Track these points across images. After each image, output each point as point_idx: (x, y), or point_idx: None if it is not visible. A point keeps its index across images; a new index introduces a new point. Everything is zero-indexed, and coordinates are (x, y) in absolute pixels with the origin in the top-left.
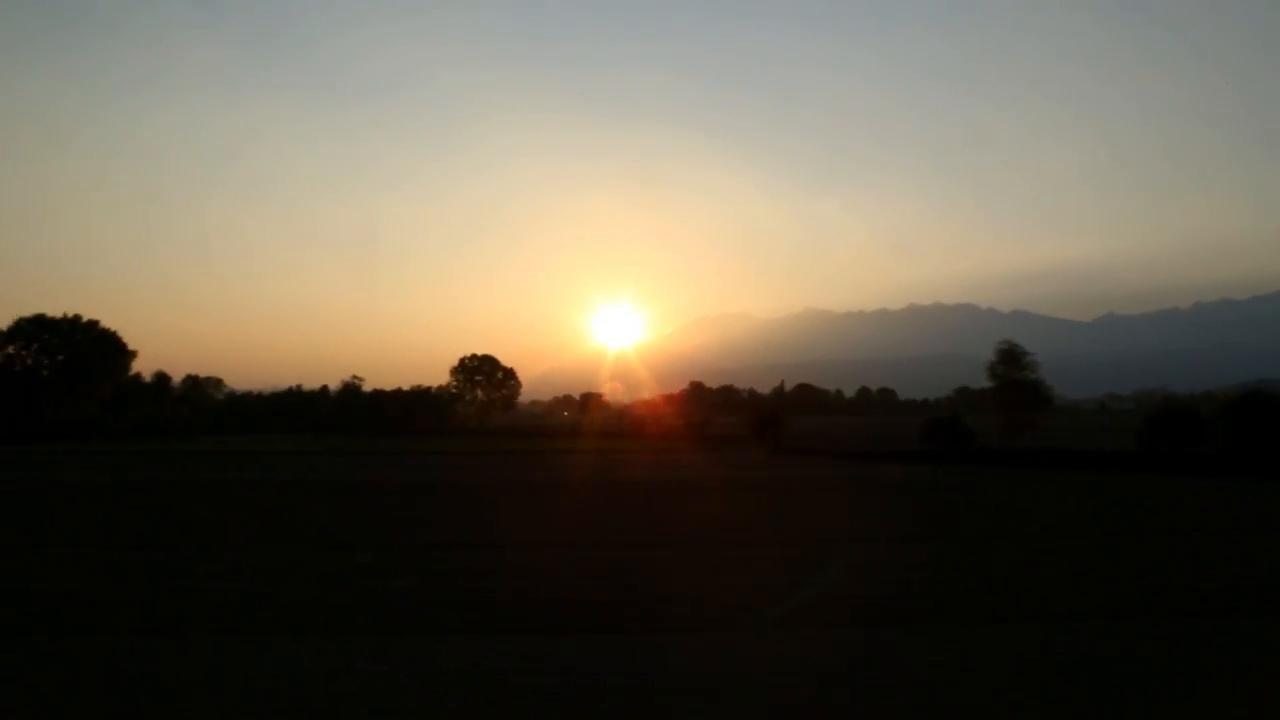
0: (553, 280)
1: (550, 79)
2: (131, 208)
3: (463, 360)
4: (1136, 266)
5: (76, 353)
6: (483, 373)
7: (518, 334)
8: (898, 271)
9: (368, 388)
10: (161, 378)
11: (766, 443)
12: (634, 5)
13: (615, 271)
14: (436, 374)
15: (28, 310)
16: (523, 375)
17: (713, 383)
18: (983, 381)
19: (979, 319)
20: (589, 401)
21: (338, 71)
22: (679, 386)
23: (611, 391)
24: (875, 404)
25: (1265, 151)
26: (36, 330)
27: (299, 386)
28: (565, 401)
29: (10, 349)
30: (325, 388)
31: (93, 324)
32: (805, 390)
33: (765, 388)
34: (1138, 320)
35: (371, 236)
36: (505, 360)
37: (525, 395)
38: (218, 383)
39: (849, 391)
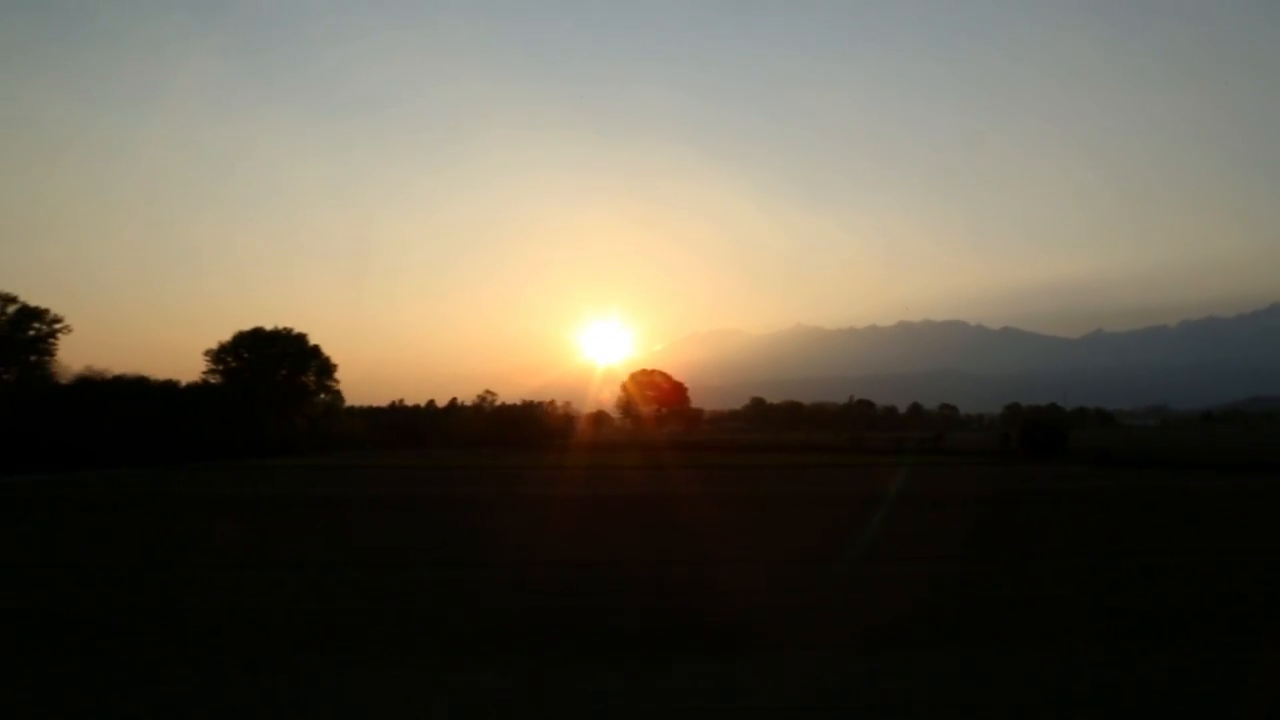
0: (542, 295)
1: (545, 94)
2: (124, 218)
3: (633, 375)
4: (1124, 284)
5: (296, 366)
6: (653, 386)
7: (506, 348)
8: (888, 288)
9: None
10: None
11: (1061, 454)
12: (633, 22)
13: (606, 287)
14: (431, 389)
15: None
16: (515, 391)
17: (707, 398)
18: (983, 397)
19: (969, 335)
20: (690, 415)
21: (333, 84)
22: (673, 402)
23: (601, 406)
24: (936, 419)
25: (1253, 171)
26: (257, 343)
27: (401, 401)
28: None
29: (231, 361)
30: (432, 402)
31: (302, 337)
32: (864, 405)
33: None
34: (1126, 337)
35: (362, 249)
36: (494, 374)
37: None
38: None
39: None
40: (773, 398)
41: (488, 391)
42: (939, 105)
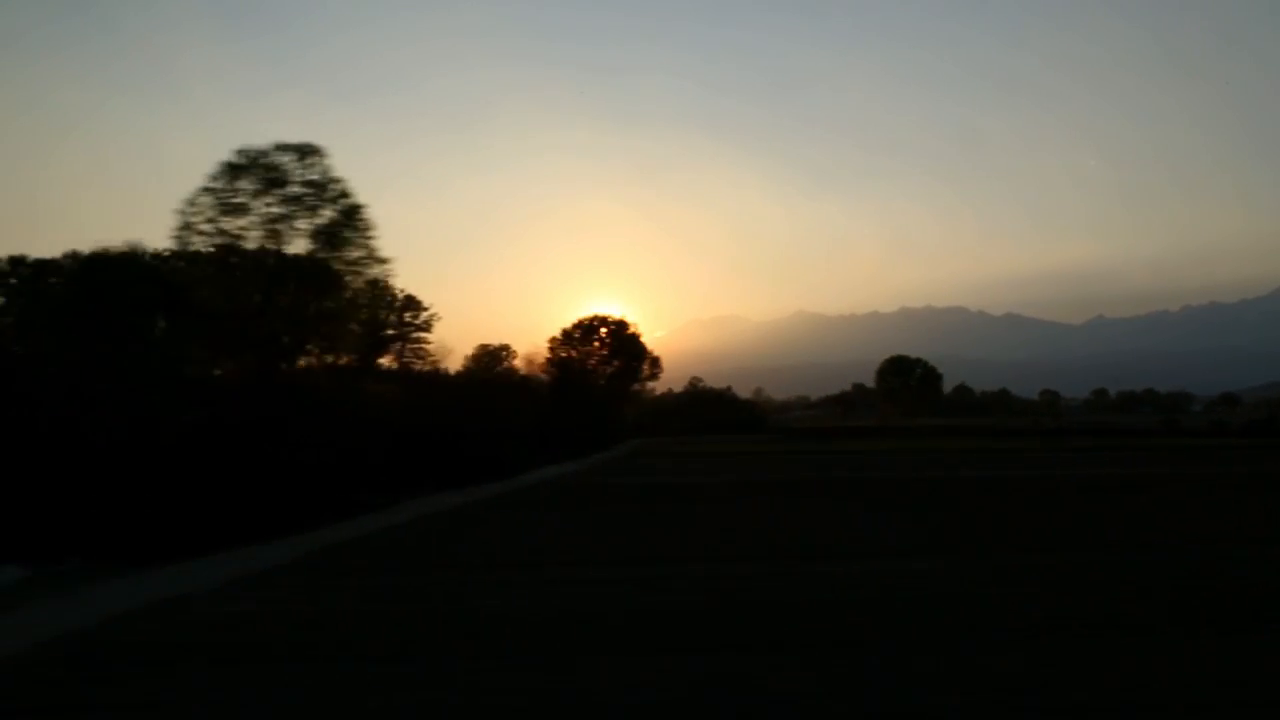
0: (544, 280)
1: (551, 80)
2: (128, 204)
3: (891, 358)
4: (1126, 270)
5: (633, 353)
6: (901, 373)
7: (504, 334)
8: (889, 275)
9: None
10: None
11: None
12: (641, 10)
13: (607, 272)
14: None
15: None
16: None
17: (710, 385)
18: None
19: (970, 322)
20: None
21: (339, 69)
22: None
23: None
24: (1038, 405)
25: (1254, 156)
26: (587, 332)
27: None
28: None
29: (575, 350)
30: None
31: (624, 324)
32: (962, 390)
33: (750, 390)
34: (1127, 323)
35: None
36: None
37: None
38: None
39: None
40: (775, 384)
41: (695, 378)
42: (942, 95)
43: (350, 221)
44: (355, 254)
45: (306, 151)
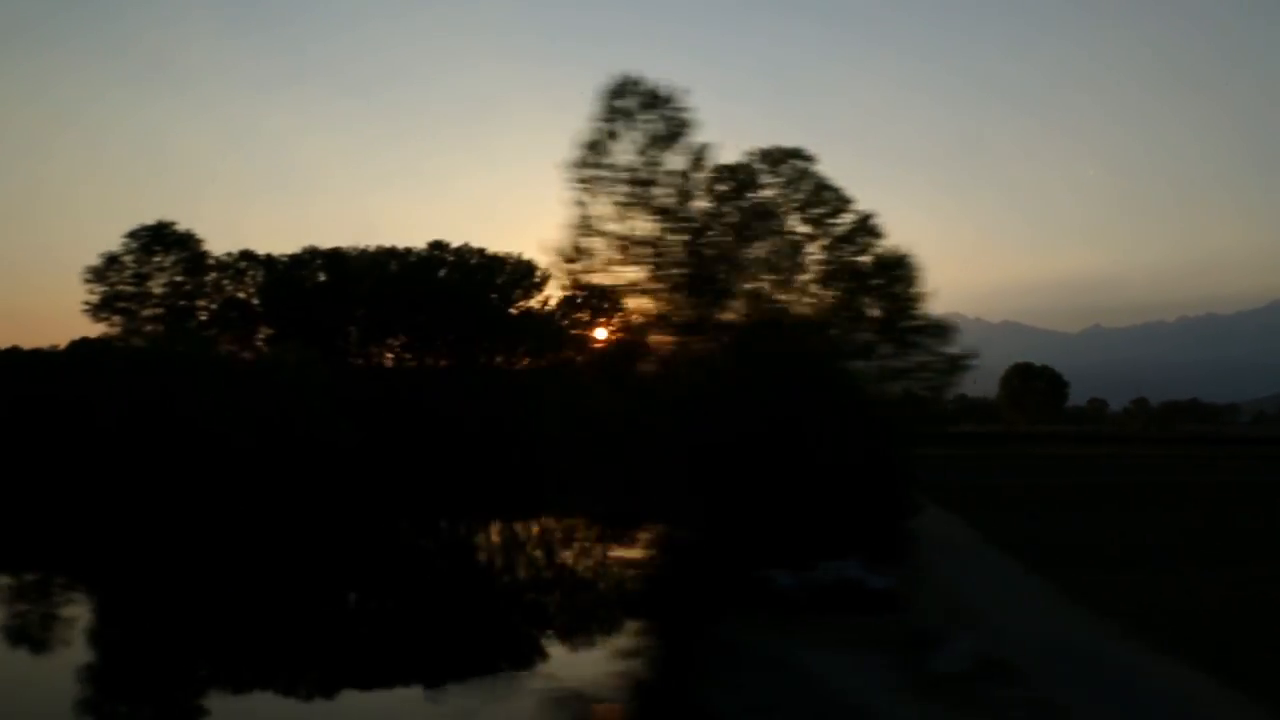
0: None
1: (555, 81)
2: (127, 198)
3: (1017, 366)
4: (1123, 280)
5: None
6: (1020, 379)
7: None
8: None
9: None
10: None
11: None
12: (645, 13)
13: None
14: None
15: None
16: None
17: None
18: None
19: (968, 328)
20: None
21: (343, 65)
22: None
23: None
24: (1085, 413)
25: (1253, 169)
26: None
27: None
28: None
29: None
30: None
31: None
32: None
33: None
34: (1123, 333)
35: (370, 232)
36: None
37: None
38: None
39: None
40: None
41: None
42: (942, 104)
43: (866, 226)
44: (870, 261)
45: (792, 155)
